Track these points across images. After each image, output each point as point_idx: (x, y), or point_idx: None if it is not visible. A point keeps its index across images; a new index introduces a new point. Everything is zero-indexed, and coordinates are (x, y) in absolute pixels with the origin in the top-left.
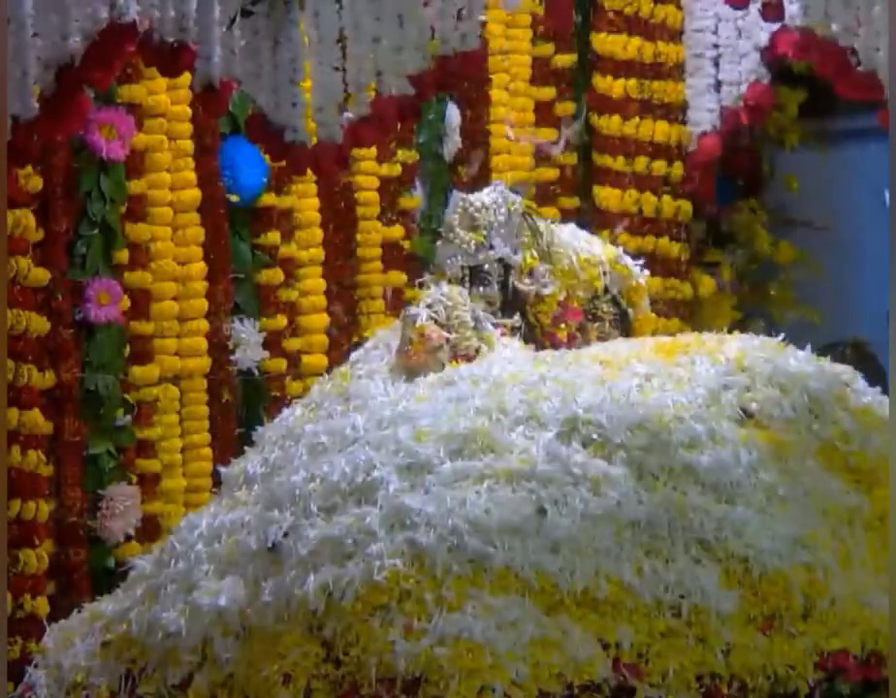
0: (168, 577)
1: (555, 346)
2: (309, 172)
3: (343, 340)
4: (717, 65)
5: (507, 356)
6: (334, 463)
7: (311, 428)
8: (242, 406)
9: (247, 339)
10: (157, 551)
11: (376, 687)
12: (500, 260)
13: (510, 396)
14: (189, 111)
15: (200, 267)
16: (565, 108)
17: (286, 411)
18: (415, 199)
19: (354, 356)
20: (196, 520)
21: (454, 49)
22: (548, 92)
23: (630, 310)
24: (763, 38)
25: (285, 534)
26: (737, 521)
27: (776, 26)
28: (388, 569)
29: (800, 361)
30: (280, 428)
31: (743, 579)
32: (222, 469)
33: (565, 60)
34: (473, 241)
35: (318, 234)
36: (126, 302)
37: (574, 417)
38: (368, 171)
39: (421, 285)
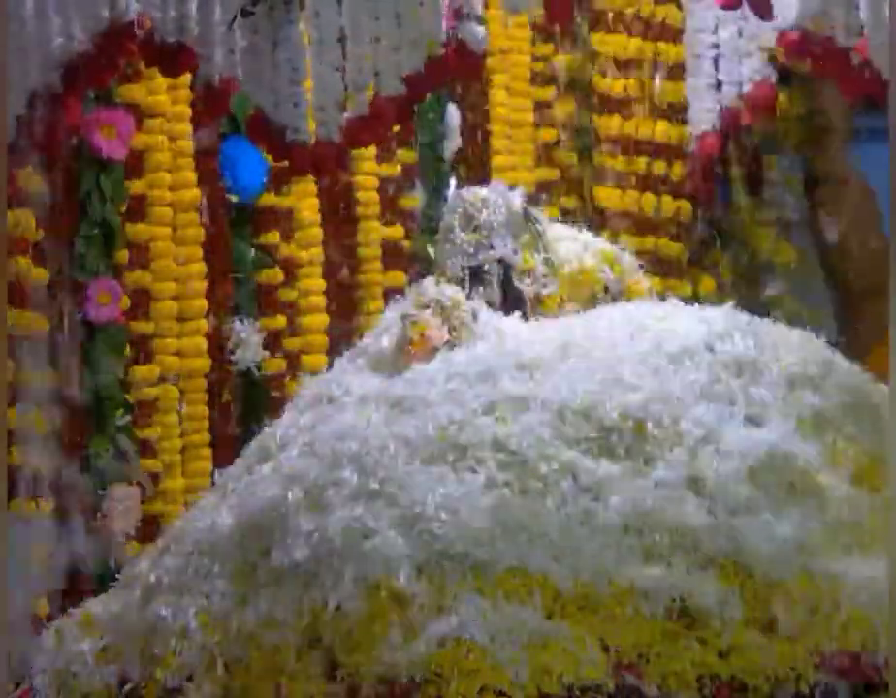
0: (164, 578)
1: None
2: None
3: (343, 340)
4: (717, 65)
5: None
6: (322, 465)
7: (303, 425)
8: (242, 406)
9: (247, 339)
10: (154, 550)
11: (376, 689)
12: (500, 260)
13: (507, 392)
14: (189, 110)
15: (200, 267)
16: (565, 108)
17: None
18: (415, 199)
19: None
20: (193, 519)
21: (451, 48)
22: (548, 92)
23: None
24: (768, 38)
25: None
26: (738, 526)
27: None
28: (387, 576)
29: (806, 362)
30: (275, 431)
31: (744, 583)
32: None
33: (565, 60)
34: (473, 241)
35: (318, 234)
36: (126, 302)
37: (574, 419)
38: (368, 171)
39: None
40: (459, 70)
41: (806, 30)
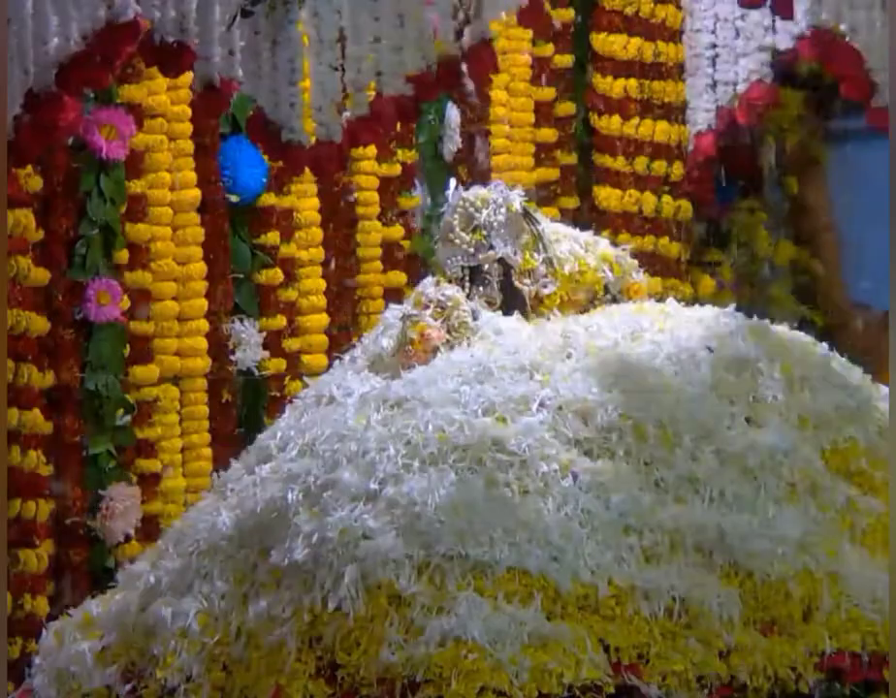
0: (164, 579)
1: None
2: (309, 172)
3: (343, 340)
4: (714, 65)
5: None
6: (322, 466)
7: (303, 426)
8: (242, 406)
9: (247, 339)
10: (154, 550)
11: (376, 689)
12: (500, 260)
13: (511, 391)
14: (189, 111)
15: (200, 267)
16: (565, 108)
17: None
18: (415, 199)
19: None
20: (193, 520)
21: (461, 49)
22: (548, 92)
23: None
24: (767, 37)
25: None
26: (738, 527)
27: (780, 27)
28: (388, 577)
29: (806, 362)
30: (275, 432)
31: (744, 583)
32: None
33: (565, 60)
34: (473, 241)
35: (318, 234)
36: (126, 302)
37: (573, 419)
38: (368, 171)
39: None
40: (471, 70)
41: (818, 30)
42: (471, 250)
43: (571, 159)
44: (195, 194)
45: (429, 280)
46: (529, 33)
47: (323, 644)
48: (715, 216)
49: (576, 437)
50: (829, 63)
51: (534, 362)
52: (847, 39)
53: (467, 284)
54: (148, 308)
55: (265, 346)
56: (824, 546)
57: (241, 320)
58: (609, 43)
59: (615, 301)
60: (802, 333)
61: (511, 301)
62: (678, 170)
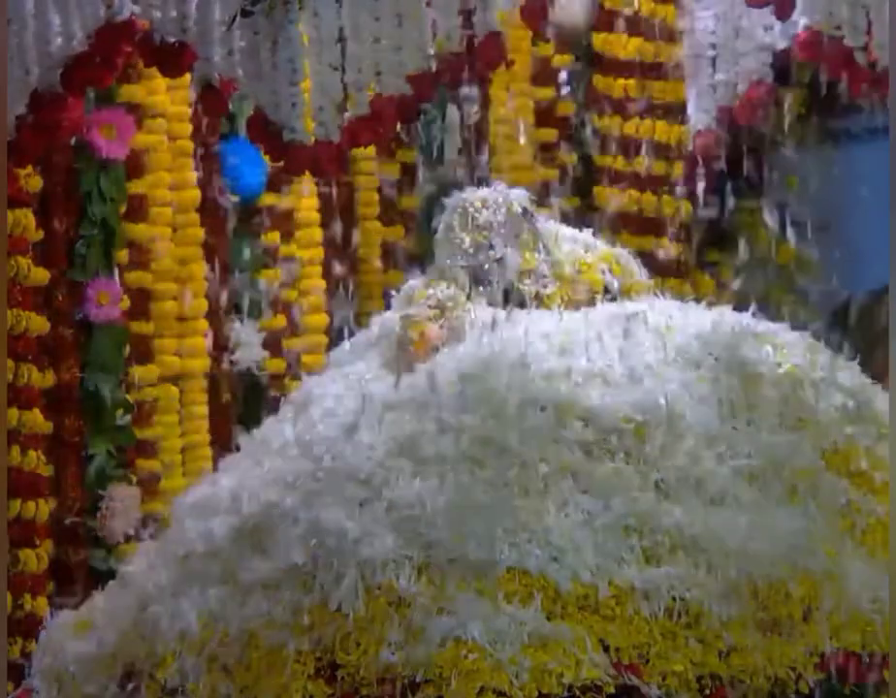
0: (162, 579)
1: None
2: (308, 172)
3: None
4: (714, 65)
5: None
6: (319, 467)
7: (300, 427)
8: (242, 406)
9: (247, 339)
10: (152, 550)
11: (376, 689)
12: (500, 260)
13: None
14: (189, 110)
15: (200, 267)
16: (565, 108)
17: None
18: (415, 199)
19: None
20: (191, 520)
21: (460, 46)
22: (548, 92)
23: None
24: (767, 37)
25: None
26: (738, 527)
27: (776, 26)
28: (388, 578)
29: (807, 363)
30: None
31: (744, 584)
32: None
33: (565, 60)
34: (473, 241)
35: (318, 234)
36: (126, 302)
37: (574, 420)
38: (368, 171)
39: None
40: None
41: (814, 30)
42: (471, 250)
43: (571, 159)
44: (195, 194)
45: (428, 280)
46: (529, 33)
47: (323, 644)
48: (715, 216)
49: (577, 438)
50: (825, 64)
51: (535, 362)
52: (840, 38)
53: (468, 284)
54: (148, 308)
55: (265, 346)
56: (824, 546)
57: (241, 320)
58: (609, 43)
59: (615, 301)
60: (802, 334)
61: (511, 302)
62: (678, 170)
